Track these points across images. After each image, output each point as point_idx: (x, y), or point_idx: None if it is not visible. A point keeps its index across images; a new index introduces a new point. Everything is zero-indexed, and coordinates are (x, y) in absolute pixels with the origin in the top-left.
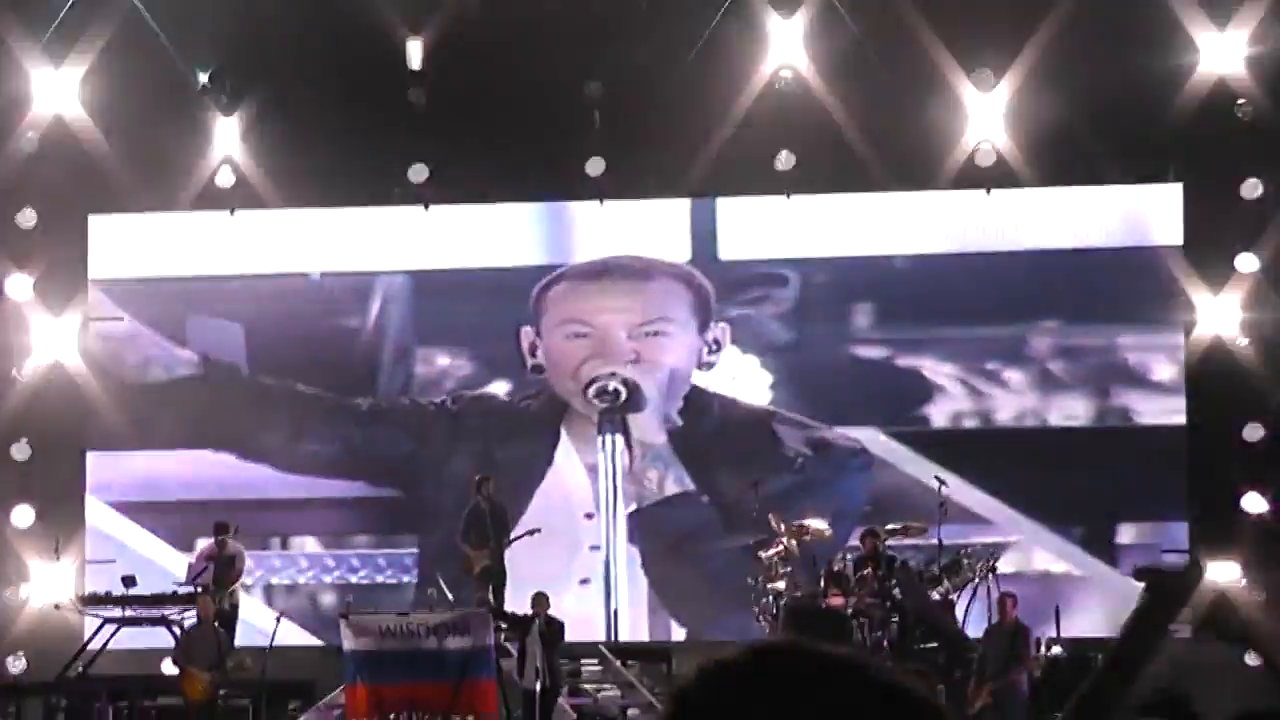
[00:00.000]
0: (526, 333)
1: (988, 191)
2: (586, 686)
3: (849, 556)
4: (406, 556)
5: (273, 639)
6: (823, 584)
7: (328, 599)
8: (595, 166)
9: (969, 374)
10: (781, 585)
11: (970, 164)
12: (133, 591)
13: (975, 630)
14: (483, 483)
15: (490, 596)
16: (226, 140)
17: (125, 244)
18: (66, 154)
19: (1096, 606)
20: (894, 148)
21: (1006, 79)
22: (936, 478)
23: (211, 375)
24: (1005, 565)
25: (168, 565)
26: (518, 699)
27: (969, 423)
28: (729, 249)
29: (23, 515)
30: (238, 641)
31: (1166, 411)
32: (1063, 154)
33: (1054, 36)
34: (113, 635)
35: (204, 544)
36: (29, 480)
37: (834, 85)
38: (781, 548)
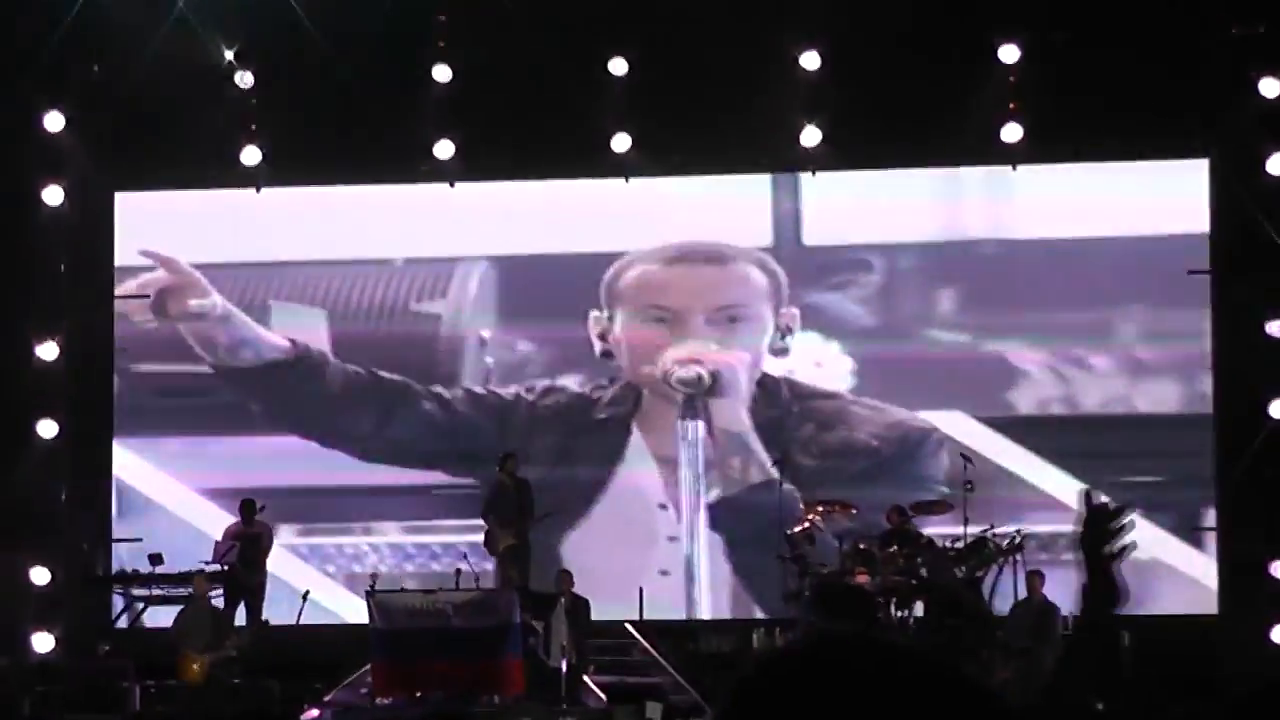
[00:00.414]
0: (596, 318)
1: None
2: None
3: (874, 534)
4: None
5: (299, 617)
6: (849, 562)
7: (411, 587)
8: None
9: (1055, 359)
10: (808, 564)
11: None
12: (159, 570)
13: (1004, 608)
14: (506, 460)
15: (515, 574)
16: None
17: (186, 223)
18: (95, 129)
19: (1181, 591)
20: (963, 121)
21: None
22: (963, 455)
23: (301, 361)
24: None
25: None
26: (544, 677)
27: (1055, 408)
28: (813, 233)
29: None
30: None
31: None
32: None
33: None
34: (140, 614)
35: (231, 523)
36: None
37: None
38: (808, 525)
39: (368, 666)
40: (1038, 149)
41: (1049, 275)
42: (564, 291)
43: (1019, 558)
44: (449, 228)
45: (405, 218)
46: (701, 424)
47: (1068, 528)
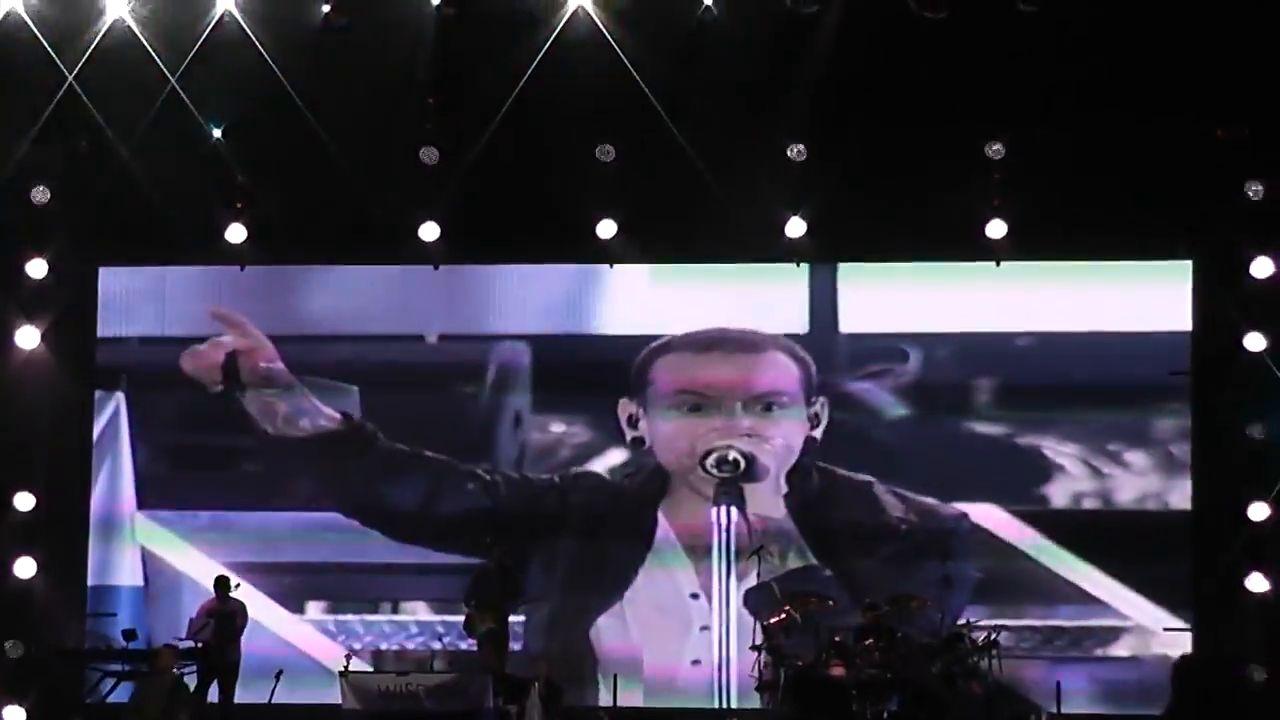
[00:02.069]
0: (624, 404)
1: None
2: None
3: (850, 628)
4: (516, 625)
5: (271, 696)
6: (824, 655)
7: (439, 665)
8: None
9: (1090, 454)
10: (783, 655)
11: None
12: (132, 646)
13: None
14: (492, 546)
15: (493, 659)
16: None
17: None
18: (79, 206)
19: None
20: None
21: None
22: (940, 552)
23: (354, 435)
24: (1121, 649)
25: (274, 626)
26: None
27: (1089, 503)
28: (850, 321)
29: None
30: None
31: None
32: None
33: None
34: (112, 689)
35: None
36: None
37: None
38: (784, 616)
39: None
40: (1021, 247)
41: (1085, 369)
42: (598, 372)
43: (995, 654)
44: (480, 308)
45: (417, 296)
46: (735, 510)
47: (1098, 622)
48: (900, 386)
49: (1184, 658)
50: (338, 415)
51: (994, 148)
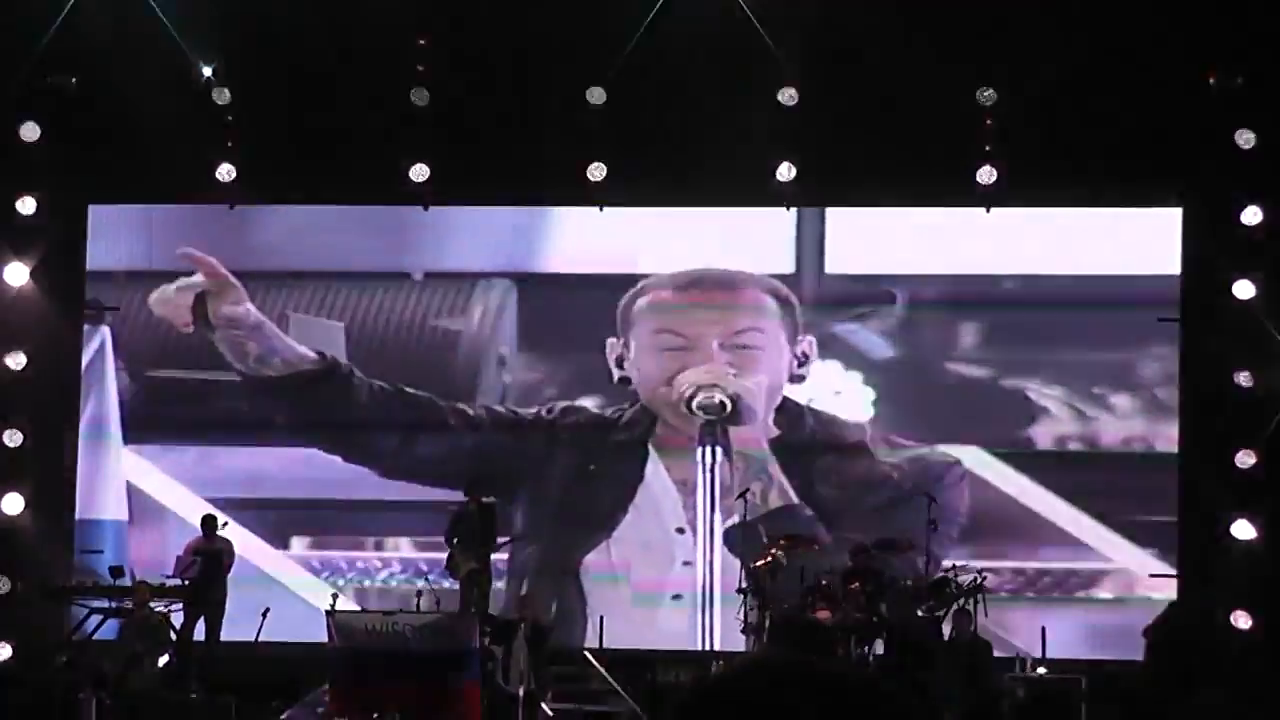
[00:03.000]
0: (613, 344)
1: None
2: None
3: (837, 570)
4: (499, 564)
5: (258, 634)
6: (810, 598)
7: (425, 603)
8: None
9: (1075, 397)
10: (768, 598)
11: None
12: (119, 583)
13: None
14: (472, 485)
15: (476, 599)
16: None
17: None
18: (69, 144)
19: None
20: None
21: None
22: (926, 494)
23: (330, 374)
24: (1104, 591)
25: (259, 561)
26: (501, 703)
27: (1074, 445)
28: (836, 262)
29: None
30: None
31: None
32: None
33: None
34: (98, 627)
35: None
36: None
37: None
38: (770, 559)
39: (325, 686)
40: (1012, 192)
41: (1071, 312)
42: (584, 314)
43: (980, 598)
44: (468, 245)
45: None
46: (720, 449)
47: (1082, 564)
48: (886, 328)
49: (1158, 619)
50: (313, 354)
51: (985, 93)
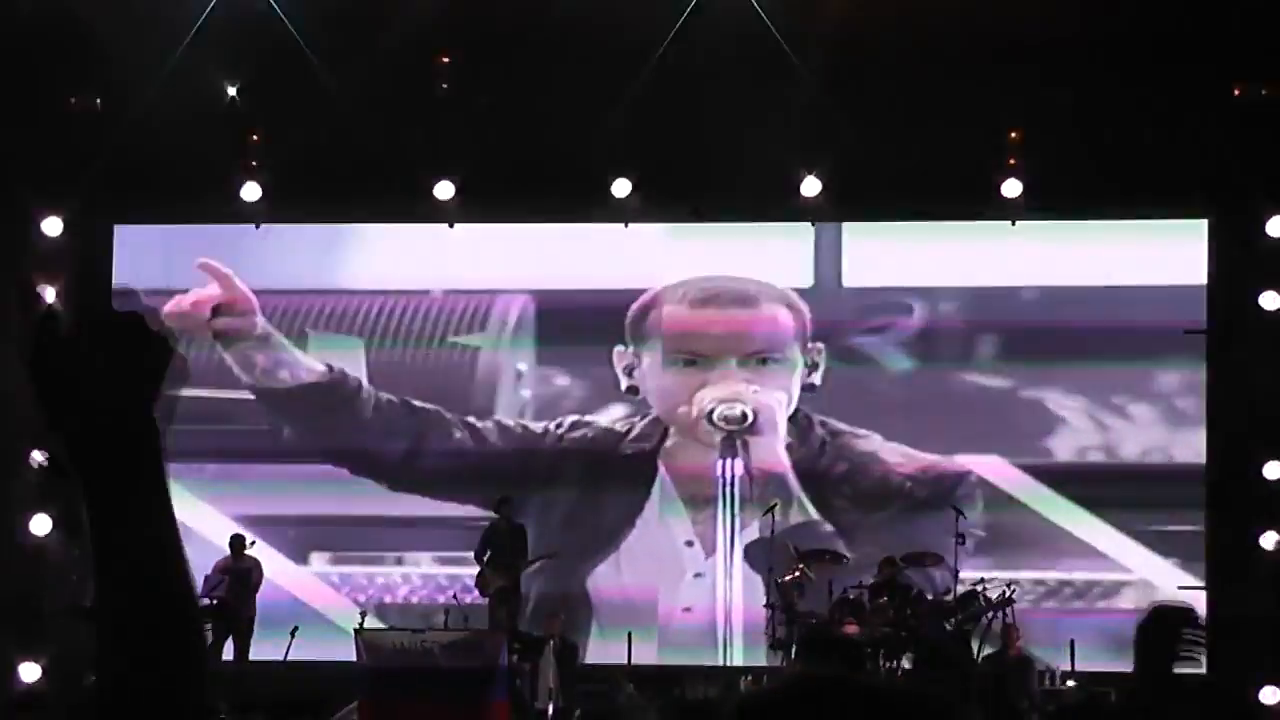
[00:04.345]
0: (621, 352)
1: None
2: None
3: (865, 585)
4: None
5: (287, 653)
6: (838, 613)
7: (439, 619)
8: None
9: (1094, 408)
10: (797, 613)
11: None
12: None
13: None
14: (502, 504)
15: (505, 616)
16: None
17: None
18: (95, 164)
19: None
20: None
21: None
22: (954, 507)
23: (336, 387)
24: (1125, 602)
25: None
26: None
27: (1093, 456)
28: (854, 275)
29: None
30: (253, 655)
31: None
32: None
33: None
34: None
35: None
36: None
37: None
38: (798, 575)
39: (353, 704)
40: (1037, 205)
41: (1091, 323)
42: (603, 327)
43: (1010, 610)
44: (484, 263)
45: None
46: (740, 462)
47: (1103, 575)
48: (904, 340)
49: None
50: (320, 367)
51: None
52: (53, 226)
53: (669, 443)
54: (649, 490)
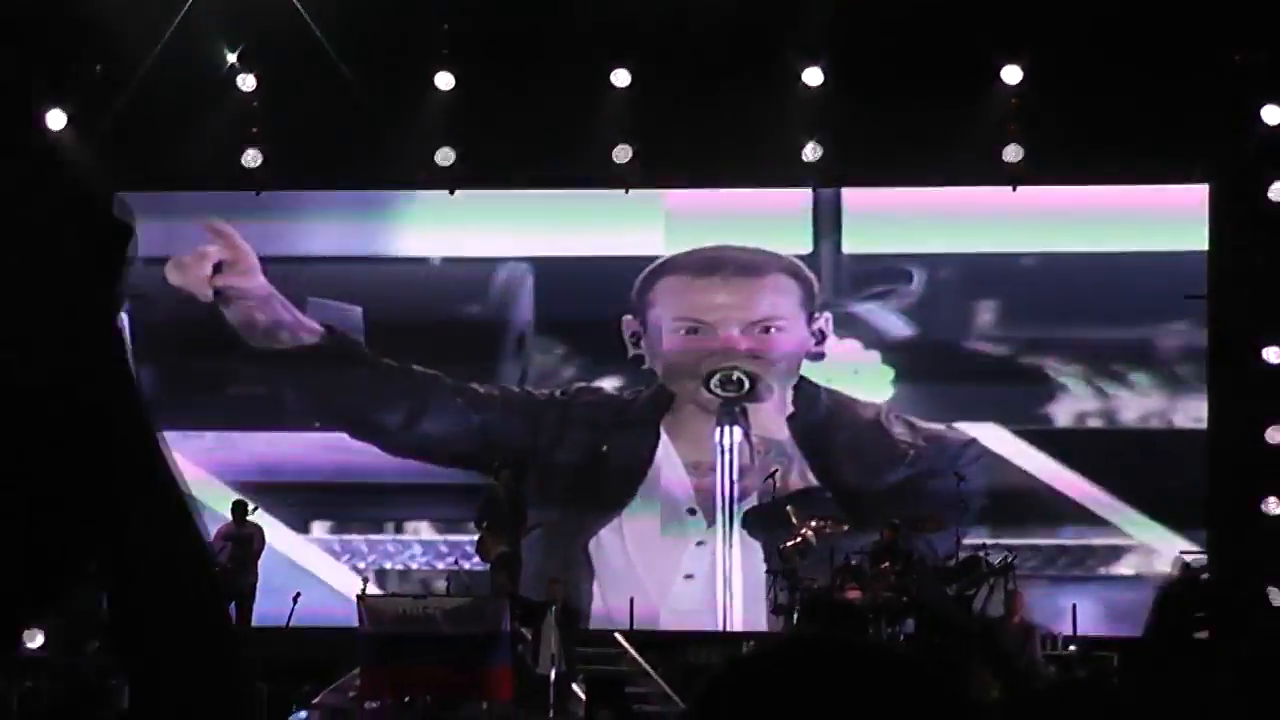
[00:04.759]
0: (628, 321)
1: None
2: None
3: (866, 550)
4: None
5: (289, 619)
6: (840, 578)
7: (440, 585)
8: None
9: (1094, 374)
10: (798, 578)
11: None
12: None
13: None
14: (501, 470)
15: (507, 582)
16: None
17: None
18: (95, 131)
19: None
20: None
21: None
22: (955, 473)
23: (334, 348)
24: (1126, 568)
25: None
26: (532, 685)
27: (1093, 422)
28: (853, 242)
29: None
30: (255, 622)
31: None
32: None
33: None
34: None
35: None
36: None
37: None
38: (800, 540)
39: (356, 670)
40: (1037, 170)
41: (1090, 289)
42: (603, 295)
43: (1010, 577)
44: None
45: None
46: (739, 430)
47: (1102, 541)
48: (904, 307)
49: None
50: (319, 328)
51: (1010, 71)
52: None
53: (672, 410)
54: (652, 457)
